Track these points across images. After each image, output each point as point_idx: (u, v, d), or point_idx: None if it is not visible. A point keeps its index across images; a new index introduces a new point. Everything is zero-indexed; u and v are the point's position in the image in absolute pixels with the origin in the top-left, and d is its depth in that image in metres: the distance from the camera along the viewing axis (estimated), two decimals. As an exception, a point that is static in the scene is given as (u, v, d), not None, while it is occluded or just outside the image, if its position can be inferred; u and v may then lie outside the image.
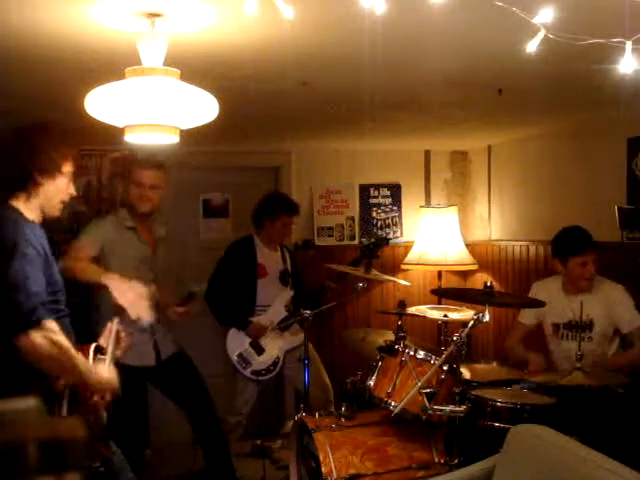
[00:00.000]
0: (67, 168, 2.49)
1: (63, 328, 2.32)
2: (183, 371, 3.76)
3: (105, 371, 2.44)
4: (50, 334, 2.13)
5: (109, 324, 2.61)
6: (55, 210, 2.53)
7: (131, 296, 2.80)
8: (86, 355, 2.42)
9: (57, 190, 2.47)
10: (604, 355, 3.62)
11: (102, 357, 2.49)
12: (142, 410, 3.76)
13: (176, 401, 3.82)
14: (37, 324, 2.14)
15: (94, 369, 2.40)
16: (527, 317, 3.91)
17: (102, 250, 3.50)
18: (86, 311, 3.51)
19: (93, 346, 2.49)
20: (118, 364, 3.13)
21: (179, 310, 3.66)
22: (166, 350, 3.69)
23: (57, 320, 2.29)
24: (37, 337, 2.12)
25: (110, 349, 2.52)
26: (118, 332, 2.60)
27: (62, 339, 2.17)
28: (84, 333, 2.59)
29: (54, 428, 1.94)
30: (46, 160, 2.43)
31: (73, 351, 2.23)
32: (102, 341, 2.55)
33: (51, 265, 2.41)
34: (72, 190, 2.54)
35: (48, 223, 2.63)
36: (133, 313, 2.76)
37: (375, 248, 4.25)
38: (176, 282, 3.99)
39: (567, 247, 3.69)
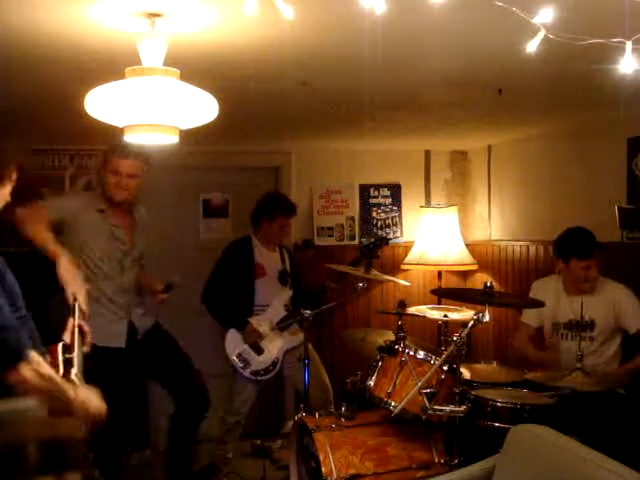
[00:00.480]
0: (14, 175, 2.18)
1: (28, 332, 2.22)
2: (160, 346, 3.77)
3: (88, 395, 2.23)
4: (36, 366, 1.98)
5: (70, 319, 2.55)
6: None
7: (72, 274, 2.74)
8: (55, 357, 2.31)
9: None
10: (605, 357, 3.61)
11: (70, 356, 2.37)
12: (119, 399, 3.68)
13: (157, 377, 3.86)
14: (24, 358, 1.99)
15: (77, 391, 2.20)
16: (530, 318, 3.90)
17: (63, 222, 3.47)
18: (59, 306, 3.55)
19: (60, 346, 2.38)
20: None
21: (158, 297, 3.73)
22: (142, 329, 3.70)
23: (22, 327, 2.18)
24: (27, 371, 1.96)
25: (76, 346, 2.44)
26: (80, 326, 2.52)
27: (47, 370, 2.03)
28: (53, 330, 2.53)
29: (54, 428, 1.94)
30: None
31: (58, 379, 2.09)
32: (66, 337, 2.47)
33: (3, 275, 2.21)
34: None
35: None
36: (69, 291, 2.70)
37: (375, 248, 4.25)
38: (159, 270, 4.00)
39: (572, 249, 3.65)
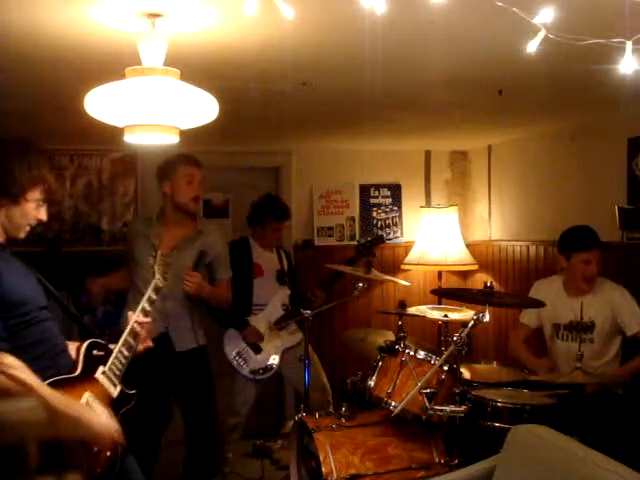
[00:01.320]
0: (34, 195, 2.21)
1: (46, 333, 2.18)
2: (194, 370, 3.68)
3: (100, 413, 2.11)
4: (5, 368, 1.88)
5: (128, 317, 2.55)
6: (19, 233, 2.27)
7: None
8: (78, 353, 2.27)
9: (22, 215, 2.22)
10: (605, 359, 3.61)
11: (98, 353, 2.31)
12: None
13: (179, 402, 3.78)
14: None
15: (84, 410, 2.08)
16: (529, 318, 3.89)
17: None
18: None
19: (86, 344, 2.30)
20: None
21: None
22: (179, 343, 3.61)
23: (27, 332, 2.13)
24: None
25: (118, 346, 2.39)
26: (133, 327, 2.49)
27: (22, 375, 1.90)
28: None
29: (54, 428, 1.94)
30: (10, 183, 2.17)
31: (42, 388, 1.94)
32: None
33: (11, 282, 2.17)
34: (42, 215, 2.27)
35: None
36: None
37: (371, 246, 4.25)
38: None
39: (573, 242, 3.66)
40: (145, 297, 2.64)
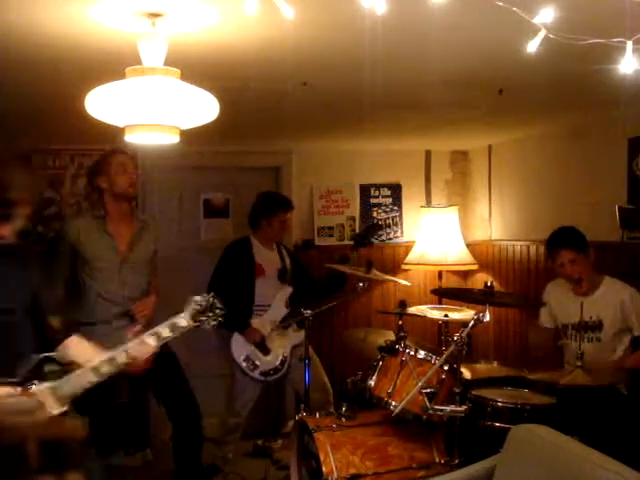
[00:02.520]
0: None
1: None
2: (168, 368, 3.64)
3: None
4: None
5: None
6: None
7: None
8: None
9: None
10: (613, 358, 3.60)
11: (51, 369, 2.13)
12: (118, 402, 3.58)
13: (159, 397, 3.78)
14: None
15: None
16: (546, 320, 3.87)
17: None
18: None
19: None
20: None
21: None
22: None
23: None
24: None
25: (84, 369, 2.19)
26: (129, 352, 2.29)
27: None
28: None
29: (55, 428, 1.94)
30: None
31: None
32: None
33: None
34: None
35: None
36: None
37: (367, 234, 4.25)
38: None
39: (546, 246, 3.74)
40: (166, 326, 2.43)
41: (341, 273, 4.26)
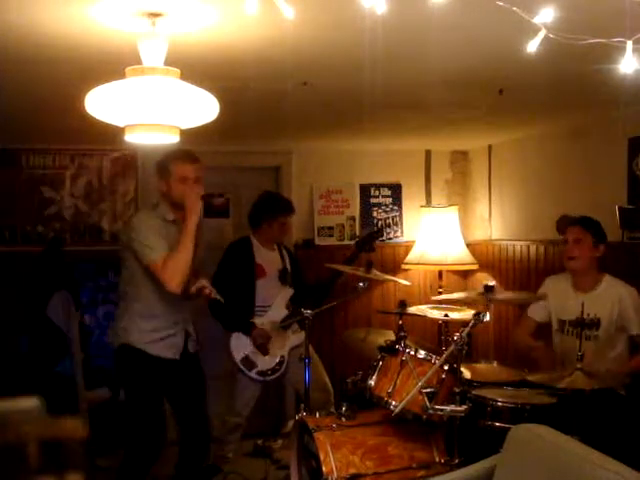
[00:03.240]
0: None
1: None
2: (192, 373, 3.62)
3: None
4: None
5: None
6: None
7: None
8: None
9: None
10: (610, 356, 3.60)
11: None
12: (160, 407, 3.56)
13: (172, 400, 3.67)
14: None
15: None
16: (537, 312, 3.88)
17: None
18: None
19: None
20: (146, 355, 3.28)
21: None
22: (192, 345, 3.58)
23: None
24: None
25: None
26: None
27: None
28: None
29: (55, 428, 1.94)
30: None
31: None
32: None
33: None
34: None
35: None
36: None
37: (370, 240, 4.24)
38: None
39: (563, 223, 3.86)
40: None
41: (327, 284, 4.35)
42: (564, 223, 3.86)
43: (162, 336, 3.42)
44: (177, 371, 3.50)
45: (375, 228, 5.35)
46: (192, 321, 3.61)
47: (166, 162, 3.41)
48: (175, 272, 3.22)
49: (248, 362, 4.30)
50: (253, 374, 4.30)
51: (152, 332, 3.40)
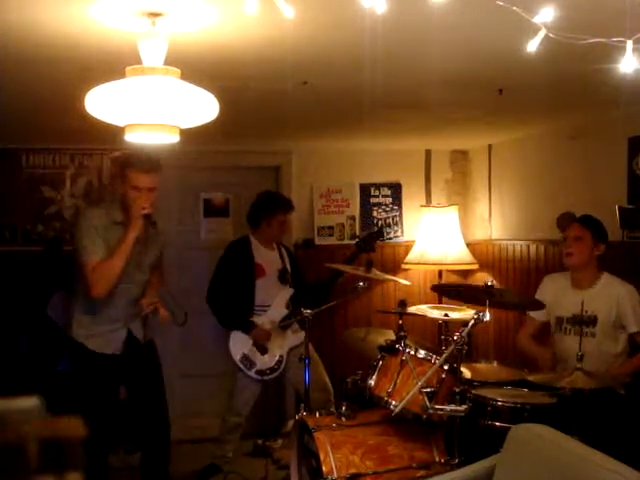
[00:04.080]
0: None
1: None
2: (143, 364, 3.63)
3: None
4: None
5: None
6: None
7: None
8: None
9: None
10: (610, 355, 3.60)
11: None
12: (111, 401, 3.57)
13: (130, 391, 3.70)
14: None
15: None
16: (538, 312, 3.89)
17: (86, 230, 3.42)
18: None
19: None
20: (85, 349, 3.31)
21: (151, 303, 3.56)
22: (141, 337, 3.60)
23: None
24: None
25: None
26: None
27: None
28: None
29: (55, 427, 1.94)
30: None
31: None
32: None
33: None
34: None
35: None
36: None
37: (370, 241, 4.24)
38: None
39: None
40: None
41: (327, 284, 4.36)
42: (565, 220, 3.90)
43: (100, 331, 3.47)
44: (123, 365, 3.53)
45: (375, 228, 5.36)
46: (142, 315, 3.58)
47: (124, 165, 3.43)
48: (101, 278, 3.30)
49: (247, 361, 4.31)
50: (252, 373, 4.30)
51: (91, 326, 3.47)
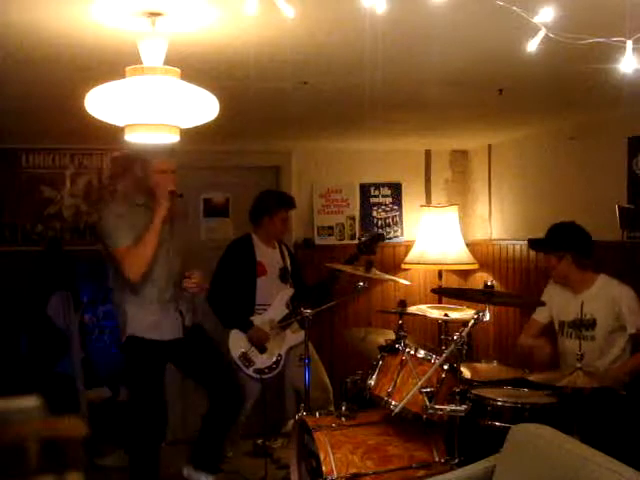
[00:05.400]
0: None
1: None
2: (201, 343, 3.78)
3: None
4: None
5: None
6: None
7: None
8: None
9: None
10: (610, 355, 3.60)
11: None
12: (161, 393, 3.73)
13: (191, 374, 3.89)
14: None
15: None
16: (540, 314, 3.90)
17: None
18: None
19: None
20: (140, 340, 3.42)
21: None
22: (188, 321, 3.70)
23: None
24: None
25: None
26: None
27: None
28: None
29: (55, 427, 1.94)
30: None
31: None
32: None
33: None
34: None
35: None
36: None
37: (372, 244, 4.25)
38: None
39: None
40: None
41: (327, 284, 4.37)
42: (532, 247, 4.00)
43: (156, 320, 3.55)
44: (183, 348, 3.64)
45: (377, 230, 5.35)
46: (186, 298, 3.70)
47: (145, 153, 3.50)
48: (134, 262, 3.38)
49: (246, 359, 4.31)
50: (250, 371, 4.30)
51: (146, 317, 3.53)
